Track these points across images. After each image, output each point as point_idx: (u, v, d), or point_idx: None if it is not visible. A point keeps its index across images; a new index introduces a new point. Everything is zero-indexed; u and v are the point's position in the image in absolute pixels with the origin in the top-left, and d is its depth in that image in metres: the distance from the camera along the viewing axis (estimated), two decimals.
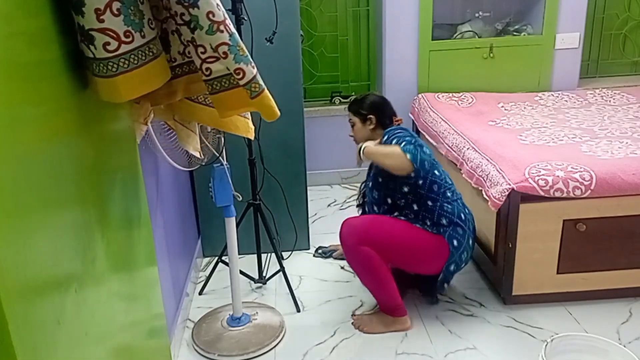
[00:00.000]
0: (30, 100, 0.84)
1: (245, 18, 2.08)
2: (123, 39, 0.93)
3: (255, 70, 1.06)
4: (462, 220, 2.13)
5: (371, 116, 2.28)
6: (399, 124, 2.30)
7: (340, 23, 3.66)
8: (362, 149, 2.12)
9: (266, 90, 1.10)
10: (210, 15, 0.97)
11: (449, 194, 2.14)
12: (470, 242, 2.17)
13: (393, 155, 2.02)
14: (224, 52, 1.00)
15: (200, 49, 1.03)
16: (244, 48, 1.05)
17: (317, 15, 3.62)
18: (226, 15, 1.02)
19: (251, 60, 1.06)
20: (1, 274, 0.67)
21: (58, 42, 0.91)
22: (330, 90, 3.74)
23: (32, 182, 0.79)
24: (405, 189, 2.13)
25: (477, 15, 3.63)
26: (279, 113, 1.14)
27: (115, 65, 0.93)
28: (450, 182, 2.18)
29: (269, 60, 2.47)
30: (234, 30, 1.03)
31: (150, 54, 1.00)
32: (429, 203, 2.11)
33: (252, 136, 1.61)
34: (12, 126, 0.74)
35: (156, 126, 1.60)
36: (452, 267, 2.15)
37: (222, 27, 0.99)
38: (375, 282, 2.13)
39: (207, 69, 1.07)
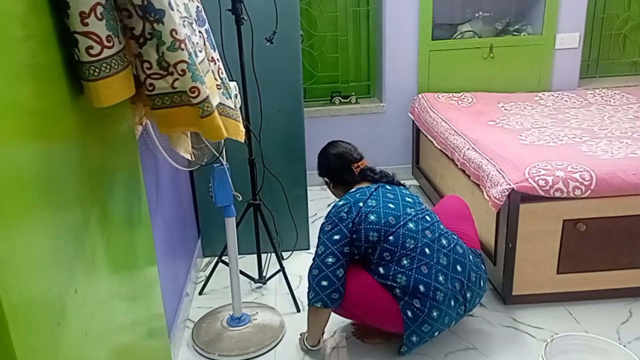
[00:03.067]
0: (37, 101, 0.84)
1: (245, 18, 2.08)
2: (105, 43, 0.92)
3: (208, 91, 1.06)
4: (420, 292, 1.81)
5: (326, 179, 2.16)
6: (362, 168, 2.06)
7: (340, 23, 3.66)
8: (305, 345, 2.03)
9: (217, 112, 1.09)
10: (174, 33, 0.97)
11: (405, 262, 1.84)
12: (435, 313, 1.82)
13: (313, 323, 1.99)
14: (182, 70, 1.00)
15: (146, 65, 1.02)
16: (200, 69, 1.05)
17: (317, 15, 3.61)
18: (186, 35, 1.02)
19: (205, 81, 1.06)
20: (1, 273, 0.67)
21: (60, 44, 0.91)
22: (330, 90, 3.74)
23: (32, 182, 0.79)
24: (357, 258, 1.95)
25: (477, 15, 3.63)
26: (225, 134, 1.13)
27: (97, 70, 0.93)
28: (410, 247, 1.85)
29: (269, 60, 2.47)
30: (191, 50, 1.03)
31: (126, 60, 1.00)
32: (381, 271, 1.86)
33: (242, 139, 1.61)
34: (17, 127, 0.74)
35: (156, 127, 1.60)
36: (413, 338, 1.86)
37: (182, 46, 0.99)
38: (357, 319, 2.05)
39: (150, 84, 1.07)
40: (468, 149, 2.55)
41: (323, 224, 1.95)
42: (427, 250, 1.86)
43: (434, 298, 1.82)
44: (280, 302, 2.38)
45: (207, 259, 2.79)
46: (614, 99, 3.35)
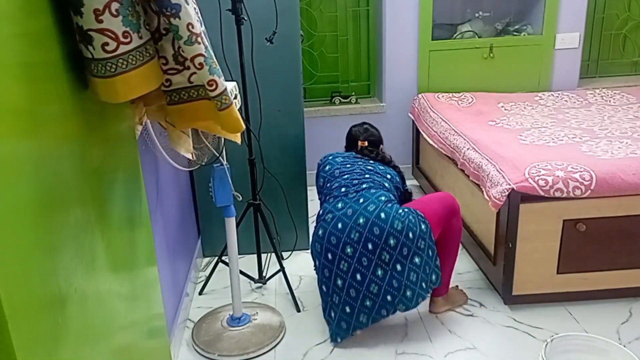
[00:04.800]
0: (32, 101, 0.84)
1: (245, 18, 2.08)
2: (122, 39, 0.93)
3: (225, 84, 1.06)
4: (319, 215, 2.15)
5: None
6: (361, 146, 2.41)
7: (340, 23, 3.66)
8: None
9: (234, 104, 1.10)
10: (190, 27, 0.97)
11: (331, 200, 2.16)
12: (320, 232, 2.07)
13: None
14: (200, 64, 1.00)
15: (162, 60, 1.03)
16: (216, 62, 1.06)
17: (317, 15, 3.61)
18: (202, 29, 1.02)
19: (222, 74, 1.07)
20: (1, 273, 0.67)
21: (59, 42, 0.91)
22: (330, 90, 3.74)
23: (32, 182, 0.79)
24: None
25: (477, 15, 3.63)
26: (244, 126, 1.13)
27: (113, 66, 0.93)
28: (334, 187, 2.19)
29: (269, 60, 2.47)
30: (208, 43, 1.03)
31: (147, 54, 1.00)
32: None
33: (239, 140, 1.61)
34: (13, 127, 0.74)
35: (156, 126, 1.60)
36: (312, 245, 2.15)
37: (199, 39, 0.99)
38: None
39: (167, 80, 1.07)
40: (468, 149, 2.55)
41: None
42: (343, 189, 2.17)
43: (324, 219, 2.09)
44: (280, 302, 2.38)
45: (207, 259, 2.79)
46: (614, 99, 3.35)
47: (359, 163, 2.29)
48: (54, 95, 0.90)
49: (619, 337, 2.06)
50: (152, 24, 0.98)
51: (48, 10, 0.88)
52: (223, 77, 1.07)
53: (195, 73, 1.03)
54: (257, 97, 2.33)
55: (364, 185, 2.14)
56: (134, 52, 0.96)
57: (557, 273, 2.22)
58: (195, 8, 1.31)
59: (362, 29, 3.71)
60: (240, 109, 2.04)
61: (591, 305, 2.24)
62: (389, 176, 2.25)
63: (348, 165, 2.27)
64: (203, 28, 1.34)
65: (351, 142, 2.48)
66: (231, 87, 1.84)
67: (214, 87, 1.04)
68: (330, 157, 2.36)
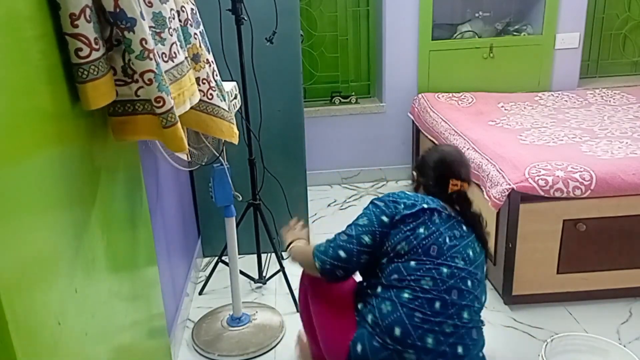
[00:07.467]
0: (39, 101, 0.84)
1: (245, 18, 2.08)
2: (93, 45, 0.93)
3: (173, 103, 1.05)
4: (393, 336, 1.41)
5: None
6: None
7: (340, 23, 3.66)
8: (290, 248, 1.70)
9: (179, 123, 1.08)
10: (143, 42, 0.97)
11: (405, 295, 1.42)
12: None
13: (304, 262, 1.59)
14: (149, 79, 0.99)
15: (111, 71, 1.02)
16: (166, 79, 1.05)
17: (317, 15, 3.61)
18: (155, 46, 1.02)
19: (171, 92, 1.06)
20: (1, 274, 0.67)
21: (59, 48, 0.91)
22: (330, 90, 3.73)
23: (32, 183, 0.79)
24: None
25: (477, 15, 3.63)
26: (187, 147, 1.12)
27: (85, 72, 0.93)
28: (424, 287, 1.42)
29: (269, 60, 2.47)
30: (160, 61, 1.02)
31: (109, 63, 1.00)
32: (378, 289, 1.48)
33: (236, 141, 1.60)
34: (15, 127, 0.74)
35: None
36: None
37: (151, 55, 0.98)
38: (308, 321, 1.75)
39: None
40: (468, 148, 2.55)
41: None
42: (437, 304, 1.41)
43: (403, 348, 1.40)
44: (280, 302, 2.38)
45: (207, 259, 2.79)
46: (614, 99, 3.35)
47: (455, 236, 1.47)
48: (58, 97, 0.90)
49: (619, 337, 2.06)
50: (105, 33, 0.97)
51: (50, 15, 0.88)
52: (171, 95, 1.05)
53: (143, 87, 1.02)
54: (257, 97, 2.33)
55: (465, 315, 1.42)
56: (102, 59, 0.95)
57: (557, 273, 2.22)
58: (193, 9, 1.31)
59: (362, 29, 3.71)
60: (240, 109, 2.05)
61: (591, 305, 2.24)
62: (486, 267, 1.54)
63: (442, 240, 1.45)
64: (201, 28, 1.34)
65: (437, 172, 1.57)
66: (231, 87, 1.84)
67: (161, 104, 1.02)
68: (420, 202, 1.48)
